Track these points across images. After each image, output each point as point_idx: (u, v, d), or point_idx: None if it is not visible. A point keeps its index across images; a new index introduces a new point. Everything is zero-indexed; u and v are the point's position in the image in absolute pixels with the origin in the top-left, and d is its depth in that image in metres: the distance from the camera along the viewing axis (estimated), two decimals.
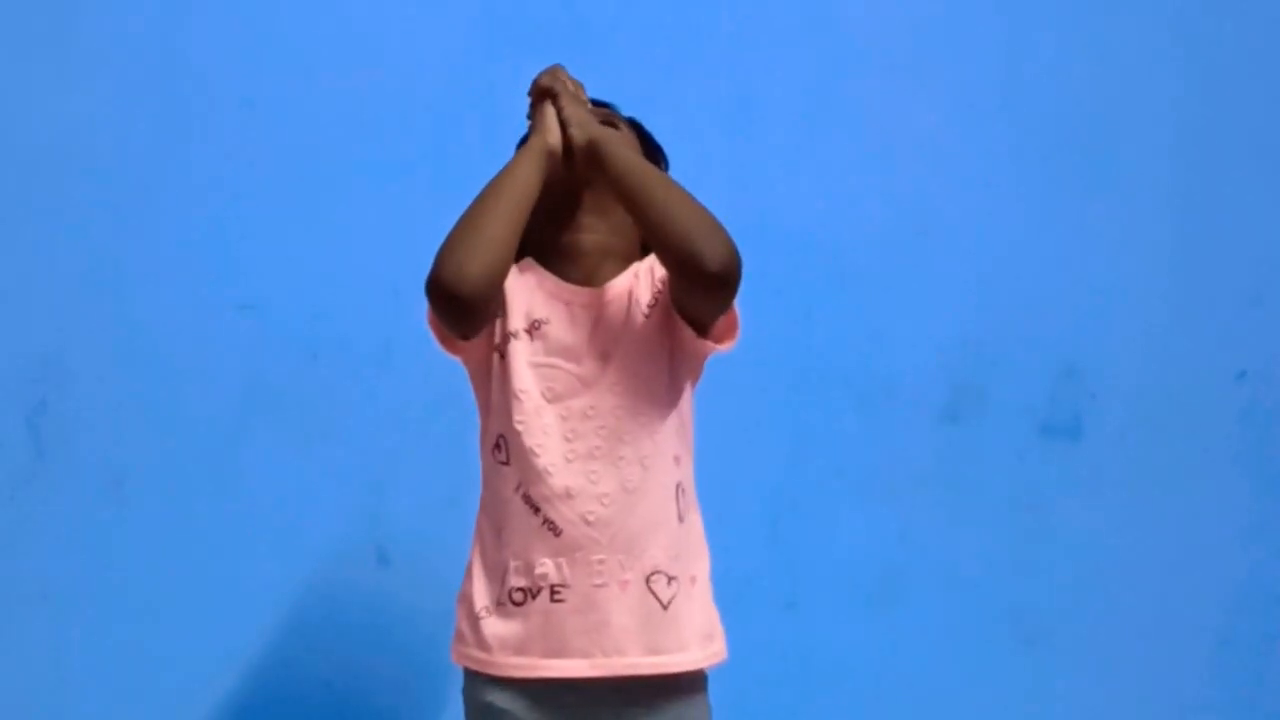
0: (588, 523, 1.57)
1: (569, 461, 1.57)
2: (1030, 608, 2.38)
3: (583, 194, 1.63)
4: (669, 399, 1.62)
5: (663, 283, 1.62)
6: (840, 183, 2.35)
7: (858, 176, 2.36)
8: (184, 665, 2.20)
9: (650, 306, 1.62)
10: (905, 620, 2.36)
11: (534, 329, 1.61)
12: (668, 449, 1.61)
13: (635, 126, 1.72)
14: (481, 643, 1.60)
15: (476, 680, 1.62)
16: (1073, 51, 2.42)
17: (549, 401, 1.59)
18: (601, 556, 1.57)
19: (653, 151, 1.72)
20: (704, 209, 1.54)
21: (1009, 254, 2.40)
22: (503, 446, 1.61)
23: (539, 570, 1.57)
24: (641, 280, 1.63)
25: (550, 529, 1.57)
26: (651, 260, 1.64)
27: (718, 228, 1.52)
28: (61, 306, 2.20)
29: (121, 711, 2.19)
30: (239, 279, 2.22)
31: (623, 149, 1.59)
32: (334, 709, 2.24)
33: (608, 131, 1.61)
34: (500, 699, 1.60)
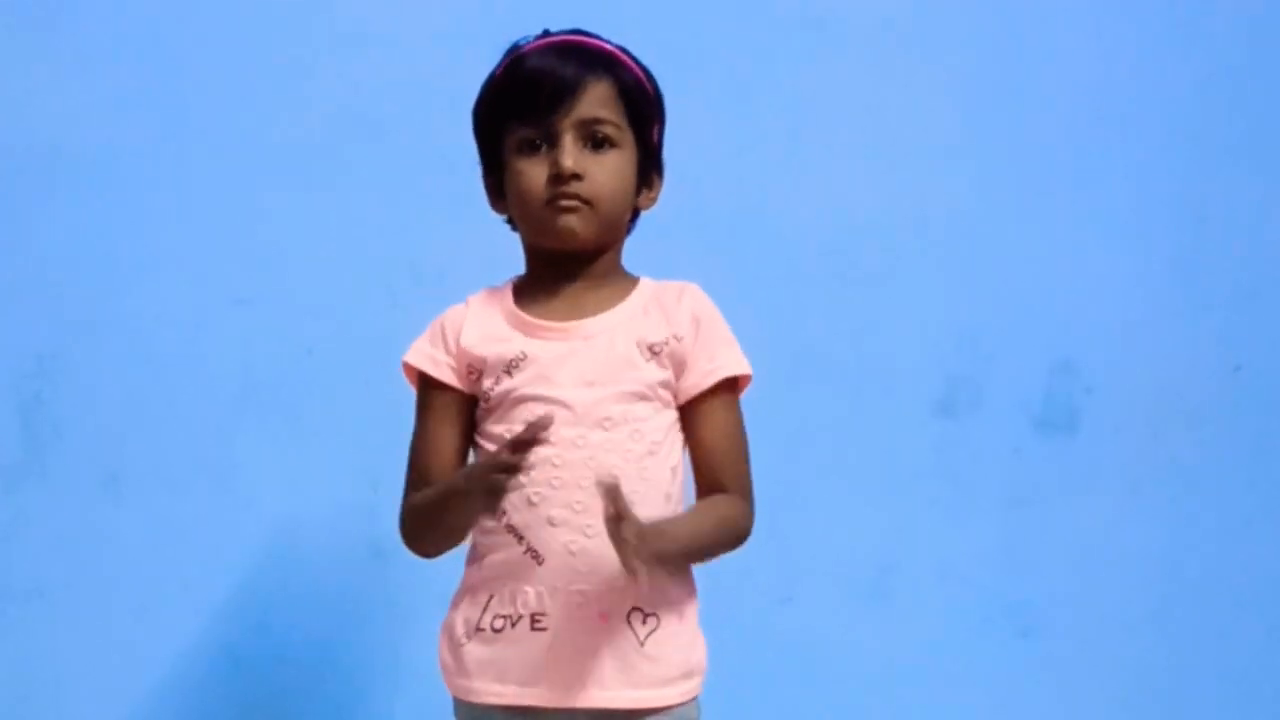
0: (570, 553, 1.53)
1: (555, 489, 1.54)
2: (1026, 602, 2.38)
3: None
4: (661, 434, 1.59)
5: (674, 365, 1.60)
6: (836, 176, 2.34)
7: (853, 169, 2.35)
8: (179, 661, 2.20)
9: (653, 355, 1.59)
10: (901, 614, 2.36)
11: (513, 366, 1.58)
12: (658, 486, 1.57)
13: (613, 66, 1.61)
14: (463, 670, 1.59)
15: (461, 707, 1.61)
16: (1068, 45, 2.42)
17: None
18: (582, 588, 1.53)
19: (639, 102, 1.62)
20: (742, 527, 1.61)
21: (1005, 247, 2.39)
22: None
23: (520, 598, 1.55)
24: (650, 321, 1.60)
25: (533, 557, 1.54)
26: (660, 298, 1.62)
27: (745, 533, 1.61)
28: (56, 301, 2.20)
29: (116, 708, 2.19)
30: (234, 274, 2.22)
31: (680, 537, 1.55)
32: (331, 705, 2.24)
33: (661, 543, 1.51)
34: None
